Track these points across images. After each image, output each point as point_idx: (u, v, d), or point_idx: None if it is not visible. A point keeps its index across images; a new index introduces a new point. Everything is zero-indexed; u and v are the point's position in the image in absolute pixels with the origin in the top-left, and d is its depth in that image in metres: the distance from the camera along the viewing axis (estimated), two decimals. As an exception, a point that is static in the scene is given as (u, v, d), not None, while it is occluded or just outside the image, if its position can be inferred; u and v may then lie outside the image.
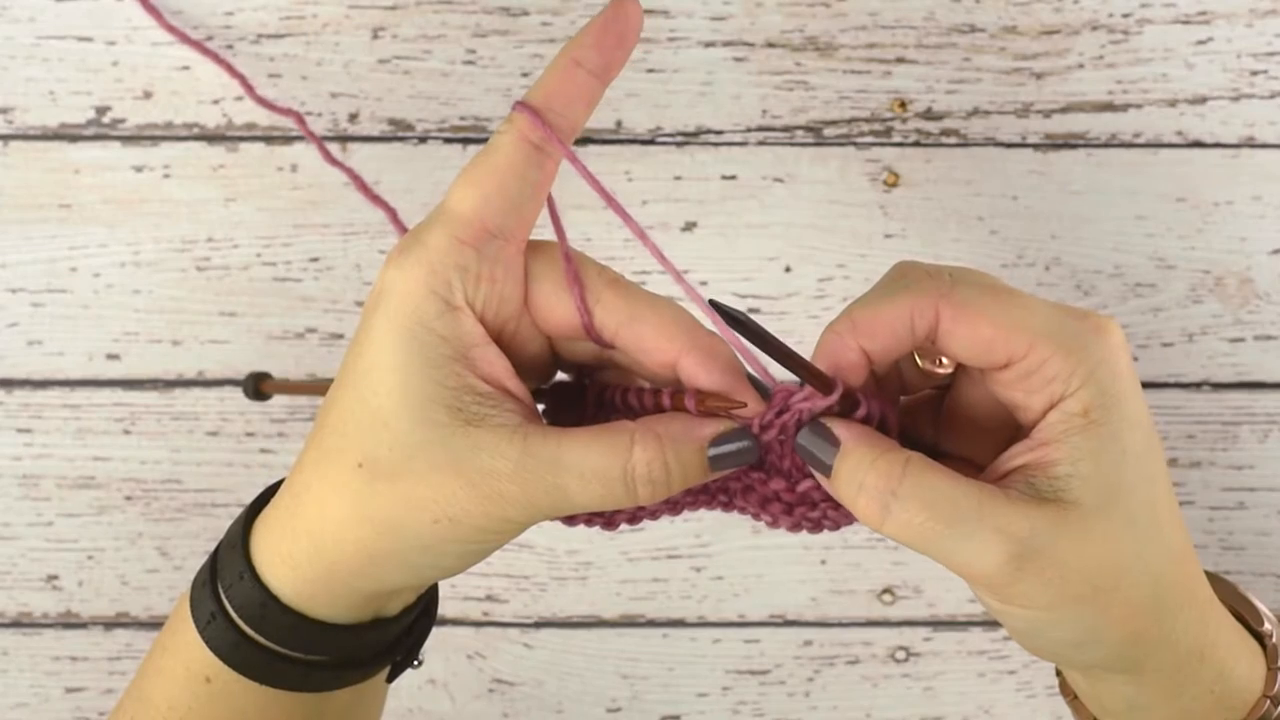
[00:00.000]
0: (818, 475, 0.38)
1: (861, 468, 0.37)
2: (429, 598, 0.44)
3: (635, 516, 0.41)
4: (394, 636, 0.42)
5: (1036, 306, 0.37)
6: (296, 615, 0.39)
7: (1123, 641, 0.38)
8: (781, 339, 0.37)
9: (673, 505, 0.41)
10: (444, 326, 0.37)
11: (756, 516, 0.41)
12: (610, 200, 0.39)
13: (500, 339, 0.39)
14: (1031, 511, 0.36)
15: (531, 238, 0.40)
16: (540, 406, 0.42)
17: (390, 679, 0.44)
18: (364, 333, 0.38)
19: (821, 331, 0.38)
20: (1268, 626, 0.41)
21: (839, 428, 0.38)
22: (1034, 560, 0.35)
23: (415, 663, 0.44)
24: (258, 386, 0.61)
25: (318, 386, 0.55)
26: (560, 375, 0.43)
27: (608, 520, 0.41)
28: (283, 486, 0.40)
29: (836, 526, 0.40)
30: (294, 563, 0.39)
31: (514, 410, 0.37)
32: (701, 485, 0.40)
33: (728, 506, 0.41)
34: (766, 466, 0.40)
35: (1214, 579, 0.42)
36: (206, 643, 0.40)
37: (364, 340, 0.38)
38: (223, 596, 0.40)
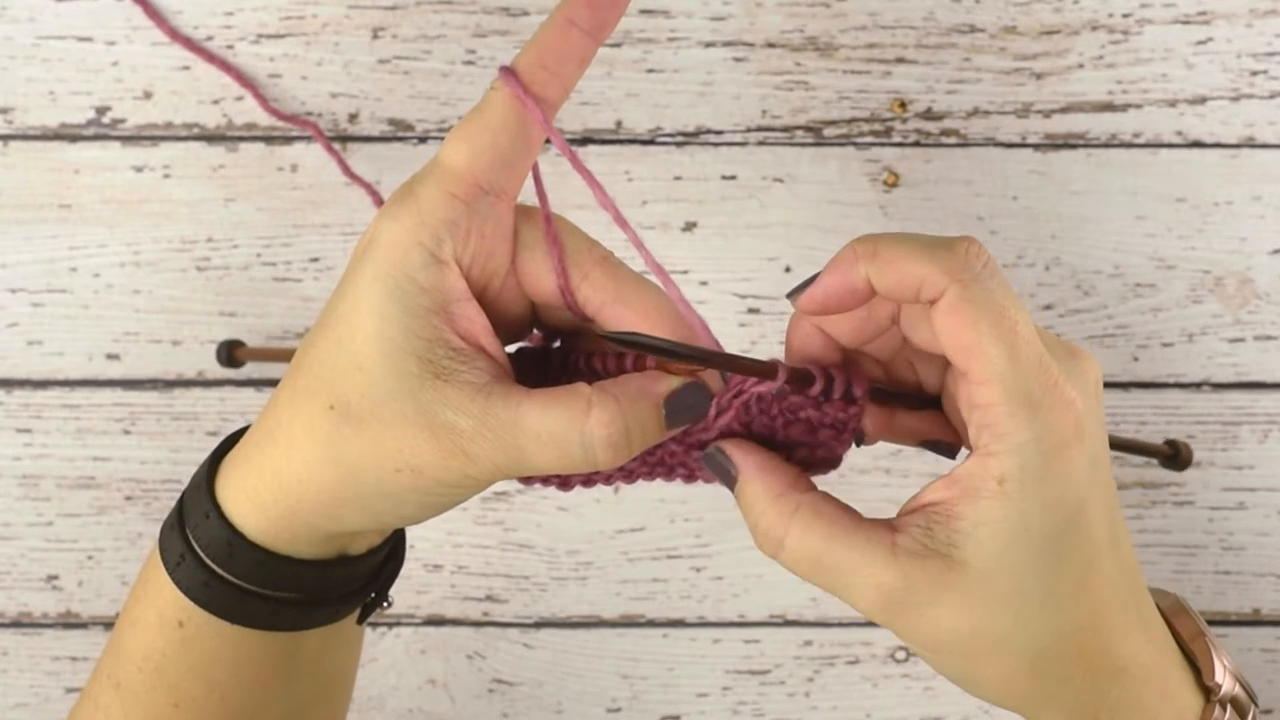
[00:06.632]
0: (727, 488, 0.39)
1: (756, 507, 0.38)
2: (395, 539, 0.44)
3: (590, 480, 0.41)
4: (361, 576, 0.42)
5: (1020, 352, 0.35)
6: (263, 551, 0.39)
7: (1001, 695, 0.38)
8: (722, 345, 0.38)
9: (627, 473, 0.41)
10: (427, 279, 0.37)
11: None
12: (580, 167, 0.39)
13: (484, 296, 0.39)
14: (911, 566, 0.36)
15: (530, 205, 0.40)
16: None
17: (361, 620, 0.44)
18: (349, 278, 0.38)
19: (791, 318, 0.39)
20: (1219, 679, 0.40)
21: (736, 454, 0.38)
22: (905, 612, 0.36)
23: (385, 604, 0.45)
24: (231, 353, 0.61)
25: (291, 353, 0.55)
26: (525, 342, 0.43)
27: (563, 481, 0.41)
28: (254, 424, 0.40)
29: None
30: (259, 500, 0.39)
31: (484, 368, 0.37)
32: (659, 458, 0.41)
33: (689, 478, 0.41)
34: None
35: (1180, 616, 0.41)
36: (177, 584, 0.40)
37: (348, 285, 0.38)
38: (190, 536, 0.40)
